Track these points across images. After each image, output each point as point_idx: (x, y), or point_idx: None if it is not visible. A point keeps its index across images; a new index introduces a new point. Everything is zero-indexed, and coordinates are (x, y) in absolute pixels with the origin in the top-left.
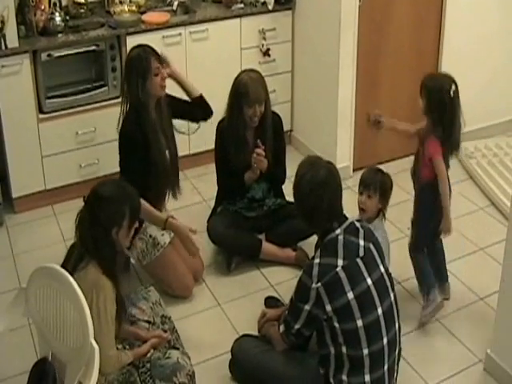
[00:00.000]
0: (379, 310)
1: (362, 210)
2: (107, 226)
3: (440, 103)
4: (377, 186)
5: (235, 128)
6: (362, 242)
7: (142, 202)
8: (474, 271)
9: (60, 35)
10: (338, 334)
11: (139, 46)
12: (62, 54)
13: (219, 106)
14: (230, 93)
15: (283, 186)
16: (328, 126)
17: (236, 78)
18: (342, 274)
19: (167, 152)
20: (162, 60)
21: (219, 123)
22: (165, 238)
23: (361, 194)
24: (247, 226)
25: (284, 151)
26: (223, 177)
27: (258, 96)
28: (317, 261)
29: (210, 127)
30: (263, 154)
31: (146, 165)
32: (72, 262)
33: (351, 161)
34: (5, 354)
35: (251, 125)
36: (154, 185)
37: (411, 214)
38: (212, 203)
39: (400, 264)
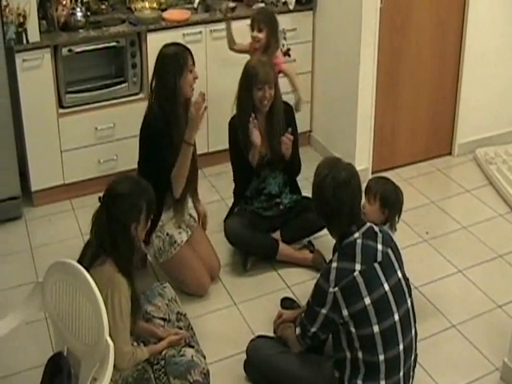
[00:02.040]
0: (396, 316)
1: (363, 213)
2: (126, 222)
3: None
4: (377, 194)
5: (245, 113)
6: (380, 247)
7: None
8: (492, 278)
9: (81, 31)
10: (354, 339)
11: (174, 43)
12: (83, 49)
13: (232, 107)
14: (240, 78)
15: (300, 185)
16: (347, 127)
17: (246, 64)
18: (360, 279)
19: None
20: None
21: (231, 119)
22: (182, 236)
23: (364, 197)
24: (264, 226)
25: (297, 141)
26: (238, 172)
27: (267, 77)
28: (334, 265)
29: (225, 126)
30: (291, 138)
31: (167, 163)
32: (88, 259)
33: (370, 163)
34: (21, 347)
35: (262, 109)
36: None
37: (429, 217)
38: (229, 202)
39: (417, 269)
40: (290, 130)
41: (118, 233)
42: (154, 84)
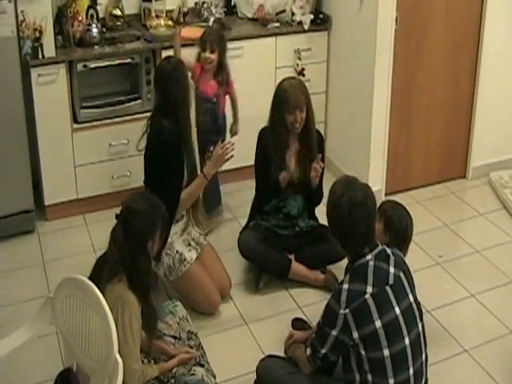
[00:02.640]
0: (406, 340)
1: None
2: (143, 239)
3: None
4: (383, 214)
5: (278, 134)
6: (392, 270)
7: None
8: (505, 303)
9: (96, 47)
10: (364, 362)
11: (167, 58)
12: (98, 65)
13: (251, 124)
14: (272, 99)
15: (316, 209)
16: (361, 148)
17: (278, 85)
18: (371, 302)
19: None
20: None
21: (262, 130)
22: (192, 253)
23: None
24: (278, 244)
25: (323, 171)
26: (261, 184)
27: (298, 102)
28: (345, 286)
29: (241, 143)
30: (322, 165)
31: (178, 179)
32: (106, 276)
33: (383, 185)
34: (31, 361)
35: (293, 131)
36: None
37: (442, 240)
38: (243, 221)
39: (429, 292)
40: (320, 156)
41: (137, 250)
42: (159, 100)
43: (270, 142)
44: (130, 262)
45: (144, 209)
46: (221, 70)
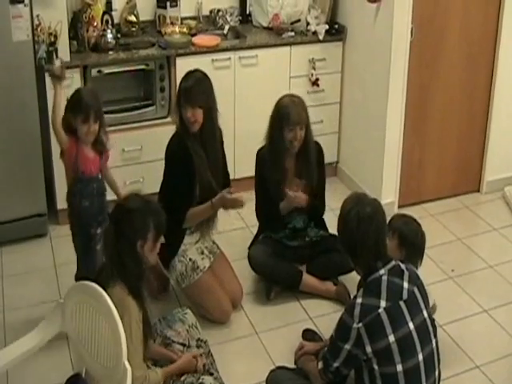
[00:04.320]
0: (420, 356)
1: None
2: (132, 238)
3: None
4: (396, 230)
5: (275, 151)
6: (406, 285)
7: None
8: None
9: (111, 52)
10: (377, 377)
11: (195, 72)
12: (112, 70)
13: (264, 133)
14: (271, 115)
15: (326, 217)
16: (374, 160)
17: (278, 101)
18: (384, 316)
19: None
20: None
21: (259, 150)
22: (204, 262)
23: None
24: (289, 256)
25: (324, 182)
26: (261, 204)
27: (299, 118)
28: (359, 300)
29: (254, 153)
30: (301, 195)
31: (189, 190)
32: (103, 280)
33: (396, 197)
34: (41, 366)
35: (291, 150)
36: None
37: (455, 255)
38: (254, 229)
39: (441, 306)
40: (298, 182)
41: (125, 249)
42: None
43: (267, 165)
44: (118, 262)
45: (135, 207)
46: (100, 137)
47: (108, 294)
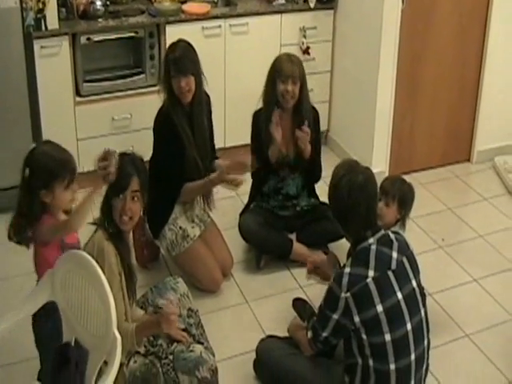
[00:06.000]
0: (408, 326)
1: (378, 215)
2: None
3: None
4: (396, 194)
5: (268, 107)
6: (395, 255)
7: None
8: (508, 289)
9: (100, 20)
10: (366, 346)
11: (180, 42)
12: (101, 38)
13: (256, 100)
14: (268, 71)
15: (316, 186)
16: (365, 129)
17: (276, 58)
18: (372, 286)
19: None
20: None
21: (255, 112)
22: (195, 230)
23: (379, 200)
24: (279, 225)
25: (320, 147)
26: (257, 163)
27: (292, 72)
28: (347, 270)
29: (245, 121)
30: (308, 132)
31: (177, 159)
32: None
33: (387, 166)
34: (29, 336)
35: (284, 104)
36: (188, 180)
37: (445, 224)
38: (245, 198)
39: (431, 276)
40: (306, 122)
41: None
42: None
43: (263, 124)
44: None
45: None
46: None
47: (92, 240)
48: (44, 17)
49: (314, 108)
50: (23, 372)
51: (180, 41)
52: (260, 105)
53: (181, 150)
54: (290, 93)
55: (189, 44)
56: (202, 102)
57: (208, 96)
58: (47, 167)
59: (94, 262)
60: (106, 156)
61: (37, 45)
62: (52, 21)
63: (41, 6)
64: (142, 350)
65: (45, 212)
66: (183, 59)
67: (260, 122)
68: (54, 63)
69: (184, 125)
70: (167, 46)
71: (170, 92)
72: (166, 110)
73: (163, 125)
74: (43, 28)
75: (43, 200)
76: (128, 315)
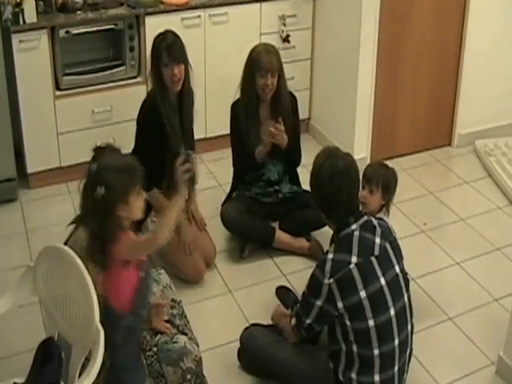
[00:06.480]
0: (392, 311)
1: (362, 203)
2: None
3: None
4: (379, 181)
5: (247, 99)
6: (378, 240)
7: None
8: (489, 271)
9: (79, 12)
10: (349, 332)
11: (168, 33)
12: (80, 31)
13: (235, 89)
14: (245, 63)
15: (299, 173)
16: (346, 115)
17: (251, 49)
18: (355, 272)
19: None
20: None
21: (234, 102)
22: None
23: (363, 188)
24: (262, 213)
25: (299, 132)
26: (237, 156)
27: (271, 65)
28: (330, 256)
29: (225, 111)
30: (283, 129)
31: (160, 151)
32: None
33: (369, 152)
34: (13, 331)
35: (263, 96)
36: (169, 172)
37: (427, 208)
38: (227, 188)
39: (414, 260)
40: (279, 119)
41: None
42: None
43: (242, 115)
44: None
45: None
46: None
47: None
48: (22, 11)
49: (291, 94)
50: (5, 368)
51: (167, 31)
52: (238, 95)
53: (163, 141)
54: (269, 86)
55: (175, 34)
56: (190, 92)
57: (192, 90)
58: (121, 179)
59: (74, 255)
60: (187, 159)
61: (15, 39)
62: (30, 14)
63: None
64: None
65: (119, 229)
66: (176, 46)
67: (239, 112)
68: (33, 57)
69: (170, 116)
70: (147, 37)
71: (159, 82)
72: (153, 100)
73: (149, 115)
74: (21, 22)
75: (119, 214)
76: None
